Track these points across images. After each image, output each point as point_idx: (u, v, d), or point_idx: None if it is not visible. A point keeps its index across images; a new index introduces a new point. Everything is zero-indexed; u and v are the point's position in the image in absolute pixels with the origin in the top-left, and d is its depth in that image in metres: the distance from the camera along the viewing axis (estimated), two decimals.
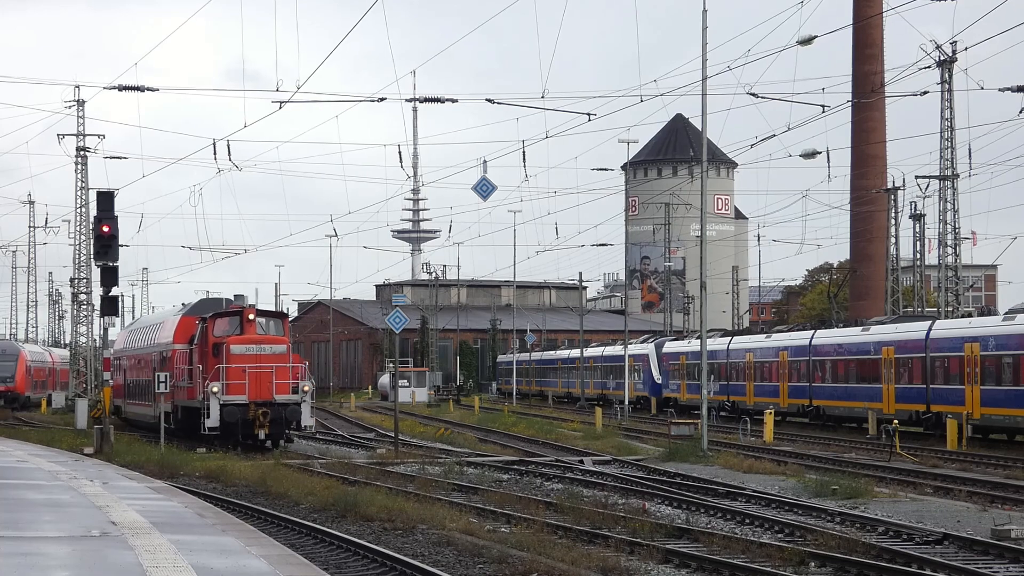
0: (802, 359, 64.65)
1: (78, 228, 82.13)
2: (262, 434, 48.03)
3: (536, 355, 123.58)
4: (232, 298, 56.91)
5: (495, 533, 24.43)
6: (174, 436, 51.38)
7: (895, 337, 55.78)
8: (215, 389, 47.89)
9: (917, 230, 75.57)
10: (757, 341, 72.86)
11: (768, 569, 20.19)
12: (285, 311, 54.05)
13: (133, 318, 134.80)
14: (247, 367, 48.26)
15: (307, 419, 49.07)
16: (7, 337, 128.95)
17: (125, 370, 68.45)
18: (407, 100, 51.48)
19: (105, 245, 44.21)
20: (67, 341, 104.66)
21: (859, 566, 20.38)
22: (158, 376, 53.57)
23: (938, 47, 65.13)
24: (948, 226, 68.33)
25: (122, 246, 46.90)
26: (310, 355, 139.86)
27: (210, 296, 57.44)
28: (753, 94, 47.05)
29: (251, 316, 49.57)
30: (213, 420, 47.89)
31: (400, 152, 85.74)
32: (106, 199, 44.99)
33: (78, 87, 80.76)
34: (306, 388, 48.82)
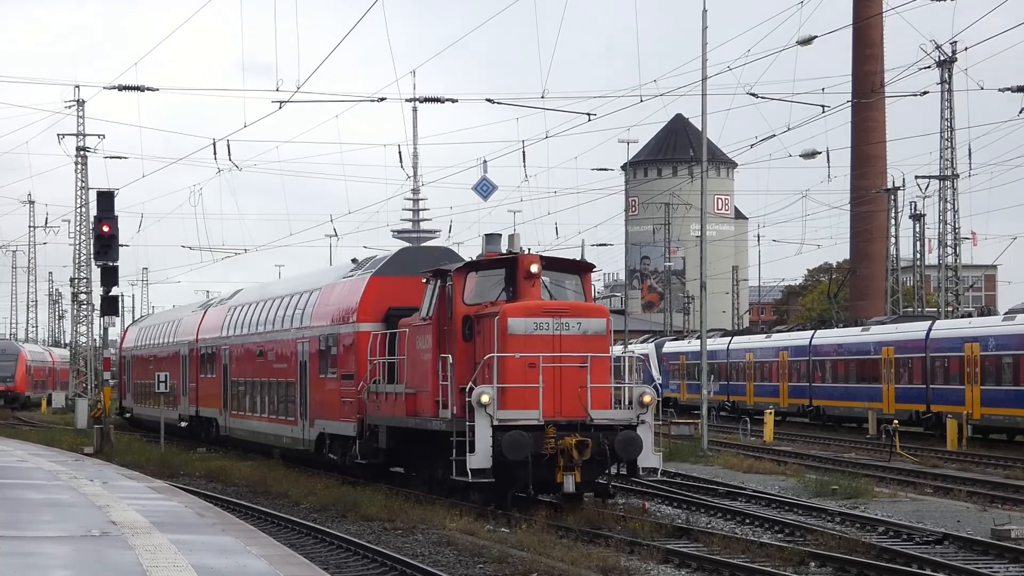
0: (802, 359, 64.68)
1: (78, 228, 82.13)
2: (570, 482, 26.87)
3: None
4: (485, 240, 31.27)
5: (495, 533, 24.45)
6: (370, 476, 33.39)
7: (895, 337, 55.81)
8: (484, 399, 26.72)
9: (917, 230, 75.63)
10: (757, 341, 72.90)
11: (768, 569, 20.20)
12: (588, 261, 32.87)
13: (138, 314, 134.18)
14: (540, 359, 27.22)
15: (651, 457, 27.69)
16: (7, 337, 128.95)
17: (227, 367, 47.66)
18: (407, 100, 51.46)
19: (105, 245, 44.21)
20: (67, 341, 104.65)
21: (859, 566, 20.40)
22: (158, 376, 51.66)
23: (938, 47, 65.16)
24: (948, 226, 68.38)
25: (122, 246, 46.90)
26: None
27: (413, 244, 36.07)
28: (753, 94, 47.11)
29: (534, 268, 28.57)
30: (480, 457, 26.67)
31: (400, 152, 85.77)
32: (106, 199, 45.00)
33: (78, 87, 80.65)
34: (646, 398, 27.82)
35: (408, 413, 30.19)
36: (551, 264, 29.73)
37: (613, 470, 28.06)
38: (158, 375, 51.47)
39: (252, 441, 44.77)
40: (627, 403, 28.19)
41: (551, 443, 26.82)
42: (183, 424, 53.50)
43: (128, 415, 66.99)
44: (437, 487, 29.81)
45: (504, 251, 29.82)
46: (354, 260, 38.97)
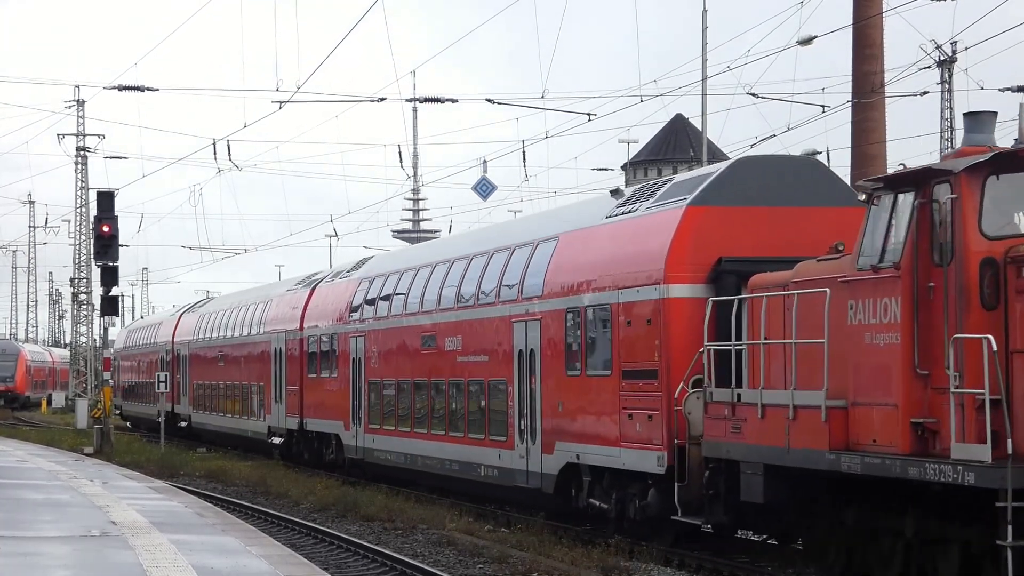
0: None
1: (78, 228, 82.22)
2: None
3: None
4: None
5: (495, 533, 24.44)
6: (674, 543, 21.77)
7: None
8: None
9: None
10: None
11: (769, 569, 20.17)
12: None
13: (139, 315, 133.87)
14: None
15: None
16: (7, 337, 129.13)
17: (360, 362, 34.73)
18: (407, 100, 51.37)
19: (105, 245, 44.25)
20: (67, 341, 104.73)
21: None
22: (158, 376, 50.56)
23: (938, 47, 65.20)
24: None
25: (122, 246, 46.93)
26: None
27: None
28: (753, 94, 47.08)
29: None
30: None
31: (400, 152, 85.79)
32: (106, 199, 45.05)
33: (78, 87, 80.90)
34: None
35: (834, 444, 16.88)
36: None
37: None
38: (158, 375, 50.37)
39: (411, 469, 31.66)
40: None
41: None
42: (276, 440, 42.05)
43: (184, 423, 55.48)
44: None
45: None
46: (615, 191, 25.27)
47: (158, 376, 50.04)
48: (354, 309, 35.54)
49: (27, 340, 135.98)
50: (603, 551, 21.14)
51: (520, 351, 25.85)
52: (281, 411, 41.34)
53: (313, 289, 40.24)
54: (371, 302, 34.47)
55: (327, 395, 37.17)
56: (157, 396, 56.20)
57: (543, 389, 24.82)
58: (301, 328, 39.85)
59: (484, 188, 69.57)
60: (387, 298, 33.33)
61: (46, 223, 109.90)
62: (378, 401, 33.54)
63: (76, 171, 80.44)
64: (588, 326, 23.55)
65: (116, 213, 44.75)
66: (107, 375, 52.64)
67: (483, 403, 27.46)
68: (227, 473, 37.71)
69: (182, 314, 60.45)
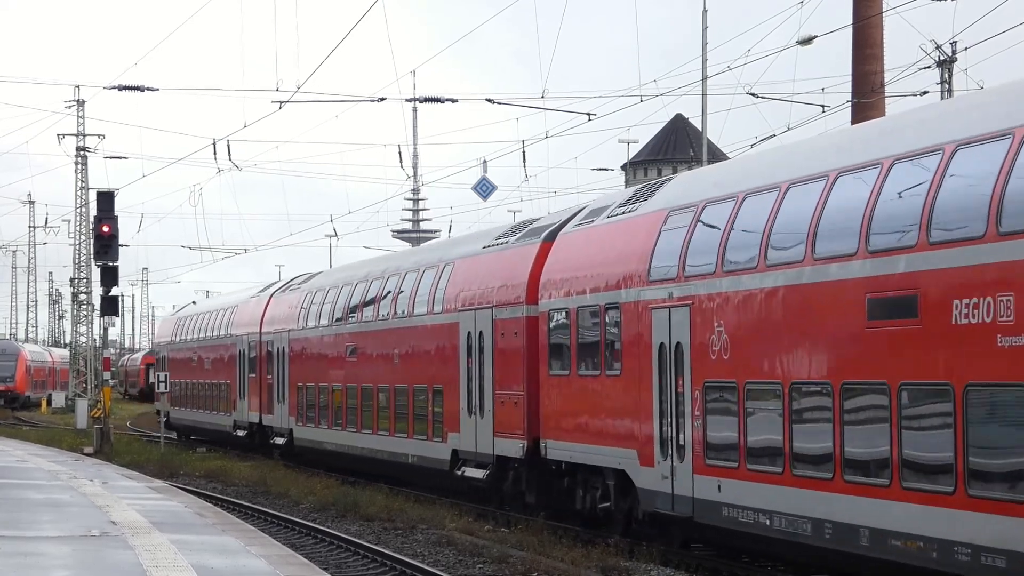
0: None
1: (78, 228, 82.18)
2: None
3: None
4: None
5: (495, 533, 24.44)
6: None
7: None
8: None
9: None
10: None
11: (768, 569, 20.16)
12: None
13: (139, 314, 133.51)
14: None
15: None
16: (7, 337, 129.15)
17: (716, 347, 19.61)
18: (407, 100, 51.37)
19: (105, 245, 44.28)
20: (67, 341, 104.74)
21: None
22: (158, 376, 50.10)
23: (938, 47, 65.16)
24: None
25: (122, 246, 46.96)
26: None
27: None
28: (753, 94, 47.04)
29: None
30: None
31: (400, 152, 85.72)
32: (106, 199, 45.07)
33: (78, 87, 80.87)
34: None
35: None
36: None
37: None
38: (158, 375, 49.76)
39: (868, 556, 16.63)
40: None
41: None
42: (472, 473, 28.30)
43: (282, 440, 42.49)
44: None
45: None
46: None
47: (158, 376, 49.43)
48: (659, 263, 21.51)
49: (27, 340, 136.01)
50: (603, 551, 21.11)
51: None
52: (481, 428, 27.96)
53: (549, 241, 26.61)
54: (703, 249, 20.29)
55: (596, 405, 23.57)
56: (232, 402, 47.54)
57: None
58: (530, 301, 26.32)
59: (484, 188, 69.55)
60: (749, 239, 19.11)
61: (46, 223, 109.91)
62: (731, 420, 19.33)
63: (76, 171, 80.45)
64: None
65: (116, 213, 44.81)
66: (107, 375, 52.48)
67: None
68: (227, 473, 37.70)
69: (272, 295, 46.38)
